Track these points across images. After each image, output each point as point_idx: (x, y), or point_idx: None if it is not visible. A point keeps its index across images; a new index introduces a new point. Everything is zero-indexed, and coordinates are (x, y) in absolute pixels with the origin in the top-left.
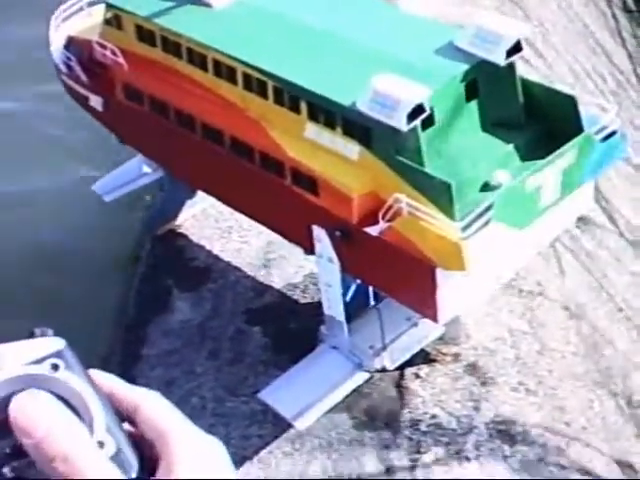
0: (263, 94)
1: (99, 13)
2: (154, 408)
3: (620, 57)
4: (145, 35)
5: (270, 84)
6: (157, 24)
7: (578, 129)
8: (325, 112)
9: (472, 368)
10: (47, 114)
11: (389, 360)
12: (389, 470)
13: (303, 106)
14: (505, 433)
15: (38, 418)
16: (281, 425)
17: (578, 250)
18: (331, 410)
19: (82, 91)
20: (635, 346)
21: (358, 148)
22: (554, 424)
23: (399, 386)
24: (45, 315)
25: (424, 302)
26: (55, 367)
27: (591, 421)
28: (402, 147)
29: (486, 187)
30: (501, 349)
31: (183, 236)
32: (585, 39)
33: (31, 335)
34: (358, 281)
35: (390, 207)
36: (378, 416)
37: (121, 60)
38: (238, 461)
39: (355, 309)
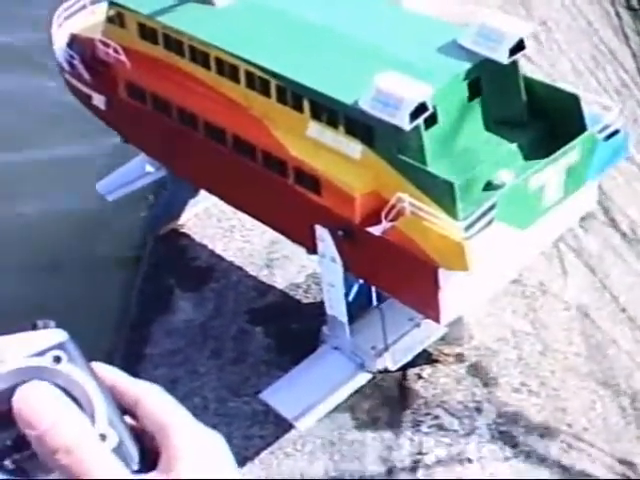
0: (266, 93)
1: (102, 11)
2: (155, 402)
3: (624, 55)
4: (148, 33)
5: (273, 83)
6: (160, 22)
7: (581, 128)
8: (328, 111)
9: (474, 369)
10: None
11: (391, 361)
12: (391, 471)
13: (306, 105)
14: (507, 434)
15: (42, 410)
16: (283, 425)
17: (581, 250)
18: (333, 411)
19: (85, 89)
20: (638, 346)
21: (360, 147)
22: (556, 425)
23: (401, 387)
24: (47, 314)
25: (426, 302)
26: (57, 359)
27: (593, 422)
28: (405, 146)
29: (489, 186)
30: (504, 350)
31: (185, 235)
32: (589, 37)
33: (34, 327)
34: (361, 281)
35: (393, 206)
36: (380, 417)
37: (124, 58)
38: (240, 461)
39: (357, 309)
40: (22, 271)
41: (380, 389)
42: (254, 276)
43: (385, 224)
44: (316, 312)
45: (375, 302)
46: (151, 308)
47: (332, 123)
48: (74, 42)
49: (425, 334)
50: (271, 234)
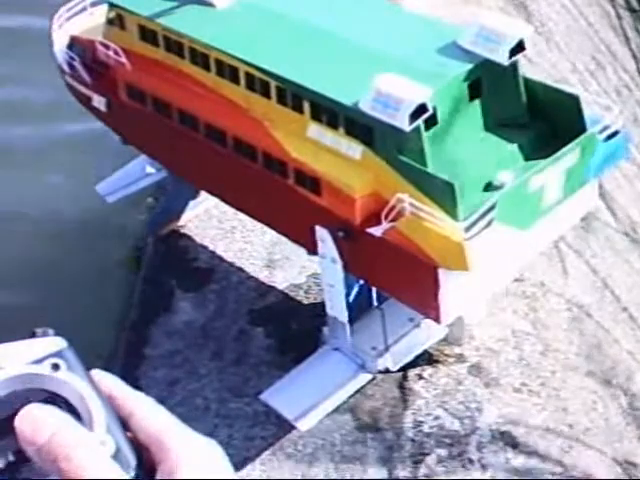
0: (266, 94)
1: (102, 13)
2: (148, 415)
3: (624, 56)
4: (148, 35)
5: (273, 84)
6: (160, 24)
7: (581, 129)
8: (328, 112)
9: (475, 369)
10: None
11: (392, 362)
12: (392, 471)
13: (306, 106)
14: (508, 434)
15: (40, 425)
16: (284, 426)
17: (582, 250)
18: (334, 411)
19: (85, 91)
20: (639, 346)
21: (361, 148)
22: (557, 425)
23: (402, 387)
24: (48, 315)
25: (427, 303)
26: (56, 367)
27: (594, 422)
28: (405, 147)
29: (489, 187)
30: (504, 350)
31: (186, 236)
32: (589, 38)
33: (32, 335)
34: (361, 282)
35: (393, 207)
36: (381, 417)
37: (124, 60)
38: (241, 462)
39: (358, 310)
40: (22, 271)
41: (381, 390)
42: (255, 277)
43: (385, 225)
44: (317, 313)
45: (375, 303)
46: (151, 309)
47: (332, 124)
48: (74, 44)
49: (426, 335)
50: (272, 235)
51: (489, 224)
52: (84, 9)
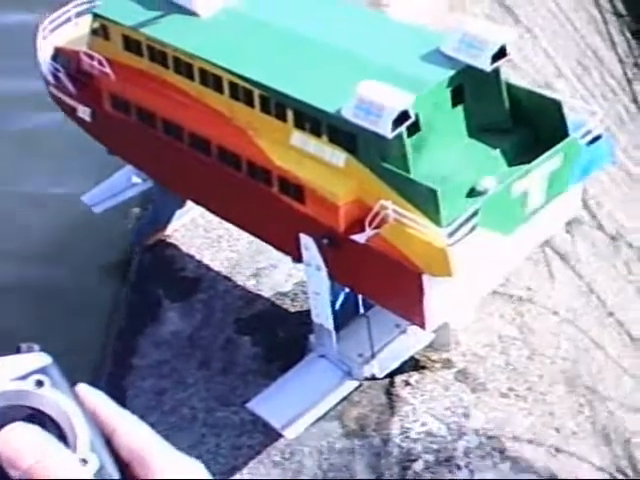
0: (249, 103)
1: (86, 23)
2: (130, 432)
3: (610, 61)
4: (132, 45)
5: (256, 93)
6: (143, 34)
7: (564, 133)
8: (311, 120)
9: (462, 375)
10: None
11: (378, 368)
12: (380, 478)
13: (289, 114)
14: (495, 439)
15: (24, 449)
16: (271, 435)
17: (568, 255)
18: (321, 419)
19: (70, 102)
20: (626, 350)
21: (344, 155)
22: (544, 430)
23: (389, 394)
24: (34, 326)
25: (411, 309)
26: (40, 383)
27: (581, 426)
28: (388, 154)
29: (472, 193)
30: (491, 355)
31: (173, 246)
32: (575, 43)
33: (17, 351)
34: (347, 289)
35: (376, 214)
36: (368, 424)
37: (108, 70)
38: (229, 471)
39: (344, 317)
40: (7, 282)
41: (368, 396)
42: (241, 285)
43: (369, 232)
44: (303, 320)
45: (362, 310)
46: (138, 319)
47: (315, 132)
48: (59, 55)
49: (412, 341)
50: (258, 243)
51: (472, 230)
52: (69, 20)
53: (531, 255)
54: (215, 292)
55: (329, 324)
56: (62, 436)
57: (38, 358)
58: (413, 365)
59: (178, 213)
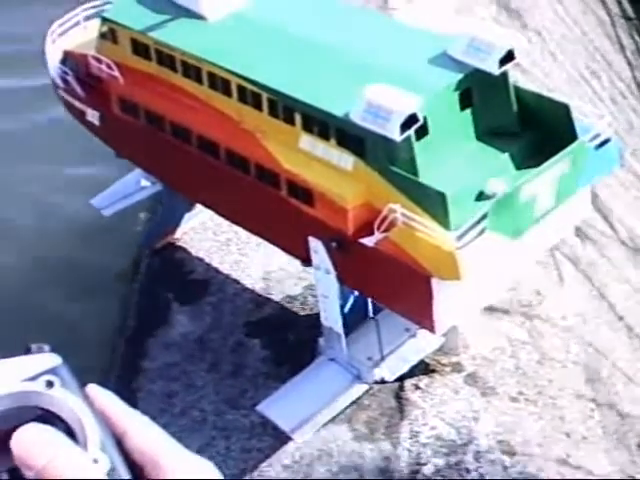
0: (258, 106)
1: (95, 27)
2: (142, 433)
3: (619, 64)
4: (140, 49)
5: (264, 96)
6: (152, 38)
7: (572, 137)
8: (319, 123)
9: (472, 378)
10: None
11: (388, 372)
12: None
13: (297, 117)
14: (505, 444)
15: (39, 450)
16: (281, 438)
17: (578, 259)
18: (330, 422)
19: (79, 105)
20: (636, 355)
21: (352, 159)
22: (554, 434)
23: (399, 397)
24: (44, 329)
25: (421, 312)
26: (50, 384)
27: (591, 431)
28: (396, 157)
29: (481, 196)
30: (500, 359)
31: (182, 249)
32: (584, 47)
33: (27, 351)
34: (356, 293)
35: (385, 217)
36: (378, 428)
37: (116, 74)
38: (238, 474)
39: (354, 321)
40: (18, 285)
41: (377, 400)
42: (250, 289)
43: (377, 235)
44: (313, 324)
45: (371, 313)
46: (148, 322)
47: (324, 135)
48: (67, 58)
49: (421, 345)
50: (267, 246)
51: (481, 233)
52: (77, 23)
53: (540, 259)
54: (224, 295)
55: (338, 327)
56: (72, 437)
57: (48, 358)
58: (423, 369)
59: (187, 216)
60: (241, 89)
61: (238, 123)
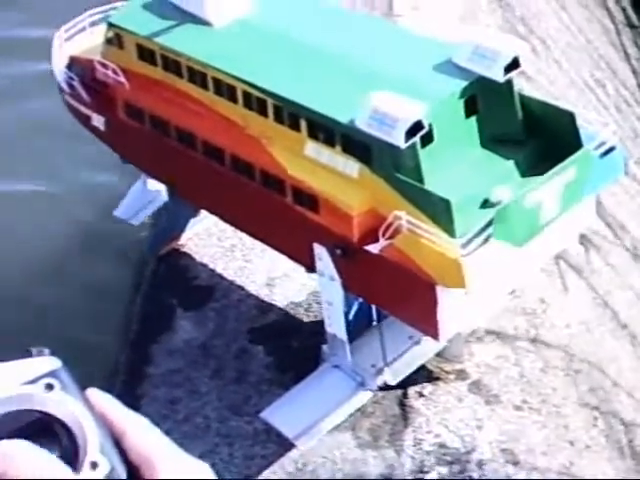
0: (263, 112)
1: (101, 33)
2: (142, 434)
3: (624, 72)
4: (146, 54)
5: (270, 102)
6: (157, 43)
7: (577, 145)
8: (324, 130)
9: (475, 386)
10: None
11: (391, 375)
12: None
13: (303, 124)
14: (509, 452)
15: (22, 465)
16: (284, 445)
17: (582, 267)
18: (334, 429)
19: (84, 110)
20: (639, 363)
21: (358, 166)
22: (558, 442)
23: (402, 405)
24: (49, 334)
25: (425, 319)
26: (50, 387)
27: (595, 439)
28: (401, 164)
29: (486, 204)
30: (505, 367)
31: (186, 255)
32: (589, 55)
33: (28, 354)
34: (360, 300)
35: (390, 224)
36: (381, 435)
37: (122, 79)
38: None
39: (358, 328)
40: (24, 290)
41: (381, 407)
42: (255, 295)
43: (382, 242)
44: (317, 330)
45: (375, 320)
46: (152, 328)
47: (329, 142)
48: (73, 64)
49: (425, 352)
50: (271, 253)
51: (486, 241)
52: (83, 29)
53: (545, 267)
54: (228, 301)
55: (342, 334)
56: (72, 439)
57: (48, 362)
58: (427, 376)
59: (192, 222)
60: (247, 95)
61: (243, 129)
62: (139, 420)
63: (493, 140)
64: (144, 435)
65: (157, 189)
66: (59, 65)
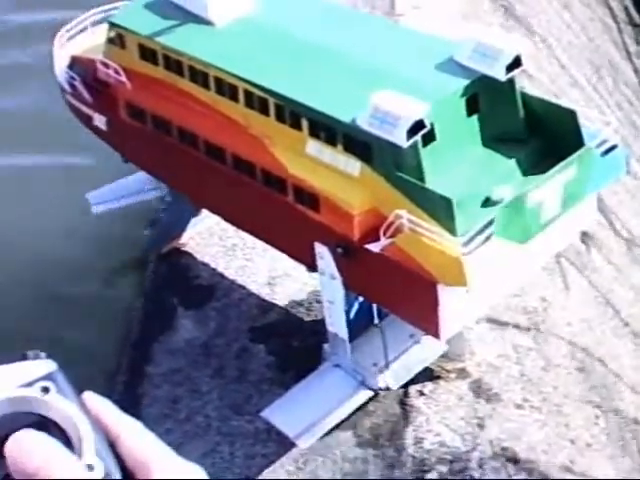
0: (265, 111)
1: (102, 32)
2: (136, 438)
3: (625, 70)
4: (147, 54)
5: (271, 101)
6: (159, 43)
7: (579, 143)
8: (326, 129)
9: (476, 385)
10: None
11: (392, 379)
12: None
13: (304, 123)
14: (509, 450)
15: (32, 455)
16: (285, 444)
17: (583, 265)
18: (335, 428)
19: (86, 110)
20: None
21: (359, 164)
22: (559, 441)
23: (403, 404)
24: (50, 333)
25: (426, 318)
26: (46, 390)
27: (596, 438)
28: (403, 163)
29: (488, 202)
30: (505, 365)
31: (187, 254)
32: (590, 53)
33: (24, 358)
34: (361, 299)
35: (391, 223)
36: (382, 434)
37: (124, 79)
38: None
39: (359, 327)
40: (24, 289)
41: (382, 406)
42: (256, 294)
43: (384, 241)
44: (318, 329)
45: (376, 319)
46: (153, 327)
47: (330, 141)
48: (75, 63)
49: (426, 351)
50: (272, 252)
51: (488, 239)
52: (85, 29)
53: (546, 265)
54: (230, 300)
55: (343, 333)
56: (68, 442)
57: (44, 365)
58: (428, 375)
59: (193, 221)
60: (248, 94)
61: (245, 128)
62: (134, 424)
63: (495, 139)
64: (138, 438)
65: (138, 189)
66: (60, 65)
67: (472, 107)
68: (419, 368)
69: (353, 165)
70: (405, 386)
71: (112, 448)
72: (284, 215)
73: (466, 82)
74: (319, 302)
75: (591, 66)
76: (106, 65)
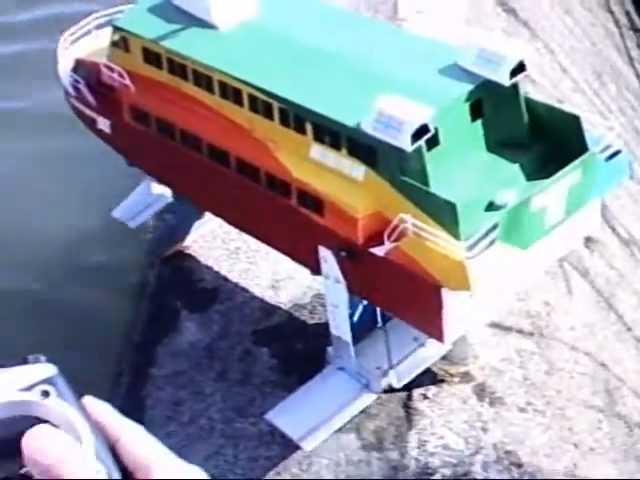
0: (269, 115)
1: (106, 36)
2: (136, 440)
3: (628, 75)
4: (152, 57)
5: (275, 105)
6: (163, 46)
7: (583, 148)
8: (330, 133)
9: (480, 388)
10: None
11: (396, 378)
12: None
13: (308, 127)
14: (513, 454)
15: (49, 449)
16: (289, 446)
17: (586, 270)
18: (338, 431)
19: (90, 113)
20: None
21: (363, 168)
22: (562, 445)
23: (407, 407)
24: (53, 336)
25: (430, 322)
26: (46, 394)
27: (600, 442)
28: (407, 167)
29: (491, 207)
30: (509, 369)
31: (191, 257)
32: (593, 58)
33: (24, 361)
34: (365, 302)
35: (395, 227)
36: (385, 437)
37: (128, 82)
38: None
39: (362, 330)
40: (26, 292)
41: (385, 409)
42: (259, 297)
43: (388, 245)
44: (321, 333)
45: (380, 322)
46: (157, 329)
47: (335, 145)
48: (79, 67)
49: (430, 354)
50: (276, 255)
51: (491, 243)
52: (89, 32)
53: (549, 269)
54: (233, 303)
55: (347, 336)
56: None
57: (44, 369)
58: (431, 378)
59: (197, 224)
60: (252, 98)
61: (249, 132)
62: (134, 427)
63: (498, 143)
64: (139, 441)
65: (160, 192)
66: (65, 68)
67: (476, 112)
68: (423, 367)
69: (357, 169)
70: (409, 389)
71: (112, 451)
72: (288, 219)
73: (470, 87)
74: (323, 305)
75: (593, 71)
76: (110, 68)
